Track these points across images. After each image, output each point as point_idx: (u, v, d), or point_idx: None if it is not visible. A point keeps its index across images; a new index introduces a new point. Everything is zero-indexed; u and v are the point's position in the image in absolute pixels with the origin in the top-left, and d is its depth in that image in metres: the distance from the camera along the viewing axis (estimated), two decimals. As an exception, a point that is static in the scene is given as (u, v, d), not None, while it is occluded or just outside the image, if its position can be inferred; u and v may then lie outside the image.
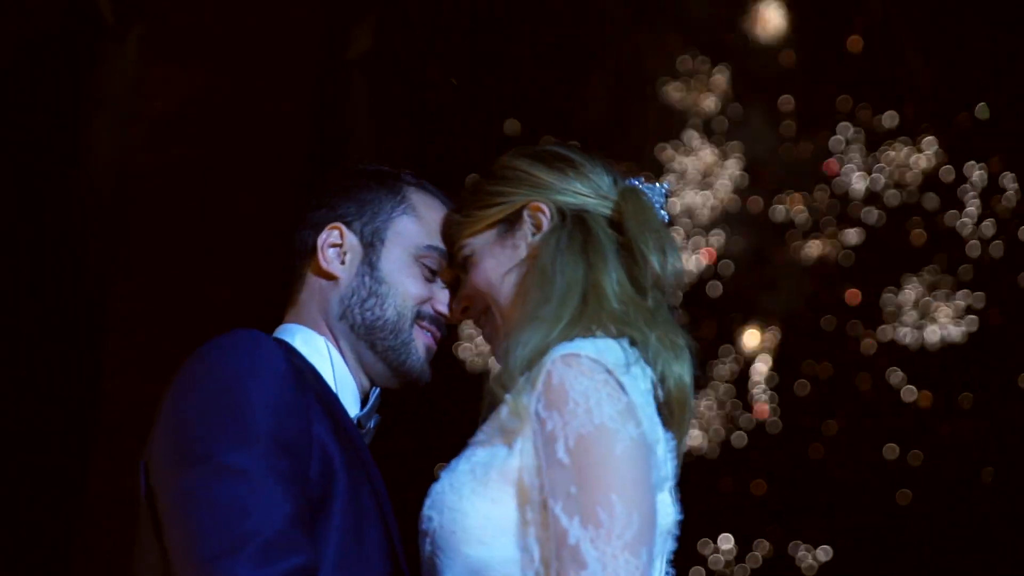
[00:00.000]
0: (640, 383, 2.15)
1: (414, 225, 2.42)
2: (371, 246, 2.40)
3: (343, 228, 2.40)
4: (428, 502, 2.16)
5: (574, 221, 2.29)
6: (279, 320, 2.47)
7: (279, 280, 5.52)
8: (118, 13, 5.93)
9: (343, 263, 2.40)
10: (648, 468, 2.08)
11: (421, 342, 2.41)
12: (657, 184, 2.42)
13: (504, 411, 2.12)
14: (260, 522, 1.97)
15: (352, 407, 2.37)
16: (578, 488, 2.01)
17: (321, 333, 2.38)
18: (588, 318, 2.19)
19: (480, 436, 2.18)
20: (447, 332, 2.50)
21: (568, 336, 2.15)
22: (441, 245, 2.43)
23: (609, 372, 2.08)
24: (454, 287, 2.45)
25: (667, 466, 2.18)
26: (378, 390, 2.42)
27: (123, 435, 5.15)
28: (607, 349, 2.13)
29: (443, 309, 2.43)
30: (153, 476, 2.14)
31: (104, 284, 5.60)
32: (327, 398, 2.26)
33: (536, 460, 2.06)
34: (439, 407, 5.19)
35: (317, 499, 2.10)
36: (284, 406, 2.10)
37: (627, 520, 2.00)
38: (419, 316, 2.40)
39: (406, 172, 2.50)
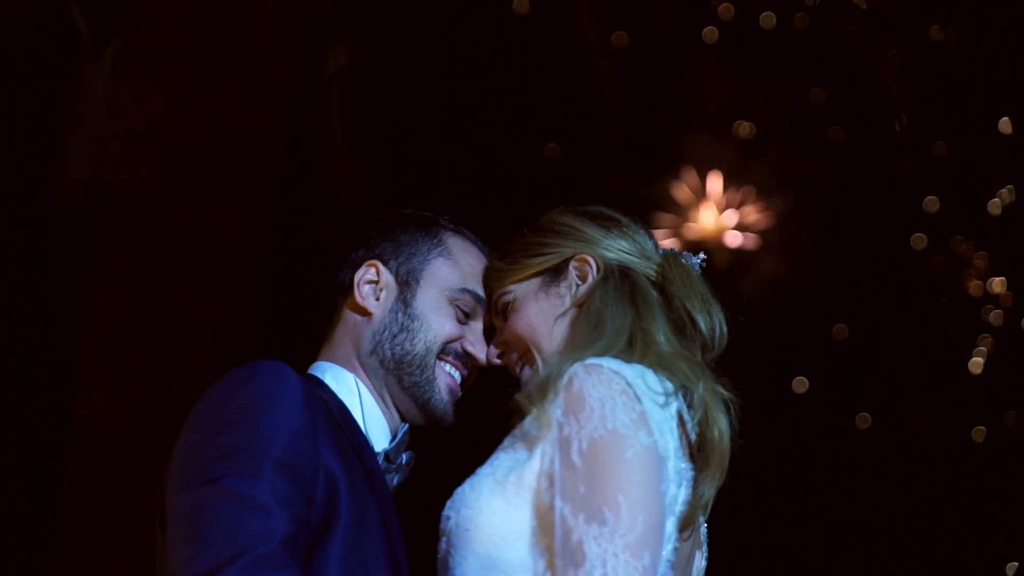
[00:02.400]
0: (667, 409, 2.21)
1: (450, 268, 2.51)
2: (406, 285, 2.48)
3: (380, 266, 2.49)
4: (448, 503, 2.24)
5: (621, 274, 2.41)
6: (253, 338, 2.53)
7: (254, 291, 5.52)
8: (93, 30, 5.93)
9: (378, 299, 2.48)
10: (659, 476, 2.14)
11: (444, 381, 2.48)
12: (690, 253, 2.53)
13: (530, 418, 2.20)
14: (253, 539, 2.06)
15: (381, 442, 2.45)
16: (587, 488, 2.07)
17: (352, 370, 2.46)
18: (634, 356, 2.27)
19: (505, 443, 2.26)
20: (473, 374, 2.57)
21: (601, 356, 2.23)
22: (477, 289, 2.51)
23: (629, 384, 2.16)
24: (487, 331, 2.54)
25: (680, 495, 2.23)
26: (406, 426, 2.49)
27: (95, 451, 5.15)
28: (635, 371, 2.20)
29: (471, 348, 2.51)
30: (167, 497, 2.23)
31: (76, 300, 5.59)
32: (347, 428, 2.35)
33: (552, 465, 2.13)
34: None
35: (320, 520, 2.19)
36: (292, 433, 2.18)
37: (631, 522, 2.05)
38: (445, 352, 2.48)
39: (445, 218, 2.58)
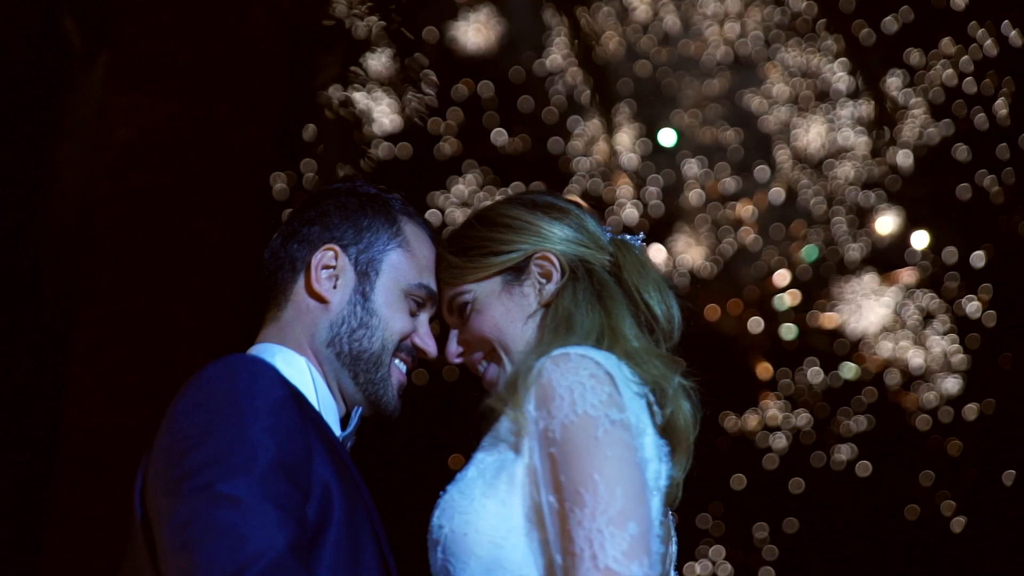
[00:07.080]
0: (639, 394, 2.20)
1: (407, 260, 2.41)
2: (365, 275, 2.38)
3: (338, 250, 2.38)
4: (437, 512, 2.19)
5: (585, 271, 2.38)
6: (249, 338, 2.44)
7: (246, 301, 5.51)
8: (86, 41, 5.94)
9: (335, 287, 2.37)
10: (633, 449, 2.11)
11: (395, 378, 2.40)
12: (631, 236, 2.50)
13: (506, 418, 2.18)
14: (257, 550, 1.94)
15: (334, 428, 2.36)
16: (565, 476, 2.07)
17: (303, 354, 2.36)
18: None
19: (486, 443, 2.23)
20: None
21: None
22: (430, 283, 2.44)
23: (598, 364, 2.14)
24: (431, 323, 2.47)
25: (663, 470, 2.23)
26: (360, 410, 2.40)
27: (87, 460, 5.15)
28: (608, 357, 2.18)
29: (421, 343, 2.43)
30: (150, 500, 2.11)
31: (68, 310, 5.59)
32: (317, 420, 2.25)
33: (534, 459, 2.12)
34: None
35: (316, 522, 2.09)
36: (284, 432, 2.07)
37: (610, 496, 2.03)
38: (398, 349, 2.39)
39: (395, 198, 2.47)
